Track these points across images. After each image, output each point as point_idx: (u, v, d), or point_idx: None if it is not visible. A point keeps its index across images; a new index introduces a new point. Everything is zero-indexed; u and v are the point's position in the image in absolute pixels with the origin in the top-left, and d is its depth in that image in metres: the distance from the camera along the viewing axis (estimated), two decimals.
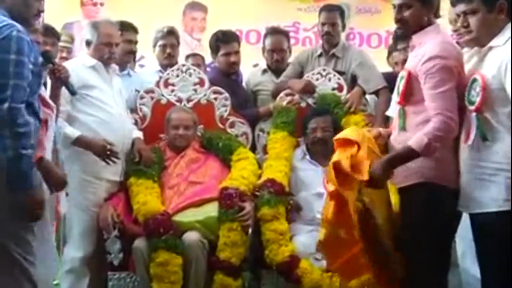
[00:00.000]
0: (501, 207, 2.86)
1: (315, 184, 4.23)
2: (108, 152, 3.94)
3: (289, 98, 4.66)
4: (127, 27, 4.72)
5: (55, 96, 3.57)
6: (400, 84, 3.22)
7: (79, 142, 3.94)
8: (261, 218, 4.00)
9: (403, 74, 3.20)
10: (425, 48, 3.09)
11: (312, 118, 4.42)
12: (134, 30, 4.88)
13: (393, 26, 3.79)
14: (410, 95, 3.14)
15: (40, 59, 3.08)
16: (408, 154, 3.02)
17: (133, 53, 4.92)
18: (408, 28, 3.21)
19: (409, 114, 3.15)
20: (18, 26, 2.87)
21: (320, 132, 4.34)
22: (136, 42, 4.89)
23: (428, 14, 3.16)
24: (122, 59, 4.61)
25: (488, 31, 2.97)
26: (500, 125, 2.89)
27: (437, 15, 3.20)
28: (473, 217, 3.05)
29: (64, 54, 4.91)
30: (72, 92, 3.68)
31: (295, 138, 4.55)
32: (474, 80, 2.95)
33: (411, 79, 3.10)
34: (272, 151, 4.44)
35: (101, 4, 7.09)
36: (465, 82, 3.04)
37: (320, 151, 4.32)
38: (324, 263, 3.83)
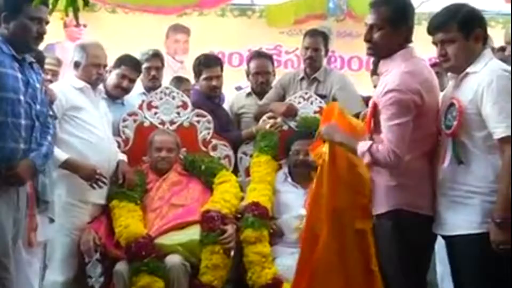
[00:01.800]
0: (475, 230, 2.86)
1: (296, 206, 4.23)
2: (97, 177, 3.92)
3: (271, 121, 4.66)
4: (133, 65, 4.66)
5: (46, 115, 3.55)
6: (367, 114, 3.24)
7: (67, 165, 3.91)
8: (245, 240, 3.98)
9: (370, 104, 3.22)
10: (387, 78, 3.08)
11: (295, 141, 4.43)
12: (139, 70, 4.75)
13: None
14: (376, 125, 3.14)
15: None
16: (353, 151, 3.11)
17: (125, 90, 4.69)
18: (376, 49, 3.19)
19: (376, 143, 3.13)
20: None
21: (303, 155, 4.33)
22: (134, 81, 4.72)
23: (399, 39, 3.13)
24: (115, 91, 4.61)
25: (465, 58, 2.98)
26: (476, 149, 2.90)
27: (409, 40, 3.20)
28: (448, 239, 3.05)
29: (49, 77, 4.86)
30: (54, 116, 3.65)
31: (278, 162, 4.55)
32: (451, 104, 2.97)
33: (376, 110, 3.10)
34: (255, 175, 4.43)
35: (84, 26, 7.07)
36: (434, 107, 3.06)
37: (302, 174, 4.34)
38: None
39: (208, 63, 4.88)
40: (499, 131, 2.79)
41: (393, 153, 2.96)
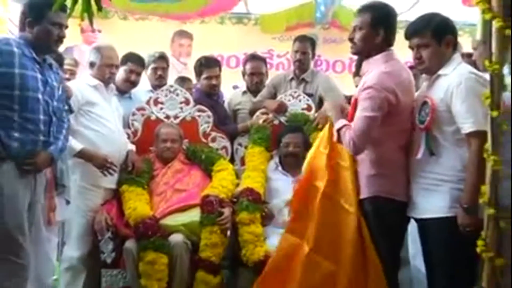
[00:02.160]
0: (444, 213, 2.87)
1: (285, 192, 4.19)
2: (107, 165, 3.91)
3: (264, 116, 4.65)
4: (137, 61, 4.66)
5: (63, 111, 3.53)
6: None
7: (82, 154, 3.90)
8: (240, 221, 3.97)
9: (352, 100, 3.24)
10: (368, 77, 3.09)
11: (285, 134, 4.41)
12: (142, 64, 4.74)
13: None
14: None
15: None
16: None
17: (132, 83, 4.70)
18: (356, 48, 3.20)
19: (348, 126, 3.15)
20: (1, 37, 3.08)
21: (292, 147, 4.32)
22: (139, 74, 4.72)
23: (377, 40, 3.12)
24: (124, 85, 4.61)
25: (437, 62, 2.99)
26: (446, 142, 2.92)
27: (390, 44, 3.18)
28: (420, 222, 3.06)
29: (67, 76, 4.85)
30: (70, 111, 3.63)
31: (270, 152, 4.53)
32: (425, 102, 2.97)
33: (357, 105, 3.10)
34: (250, 164, 4.41)
35: (99, 31, 7.05)
36: (409, 106, 3.07)
37: (291, 163, 4.32)
38: None
39: (208, 64, 4.87)
40: (466, 126, 2.80)
41: (353, 143, 3.01)
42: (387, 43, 3.15)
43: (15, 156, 3.06)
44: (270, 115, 4.66)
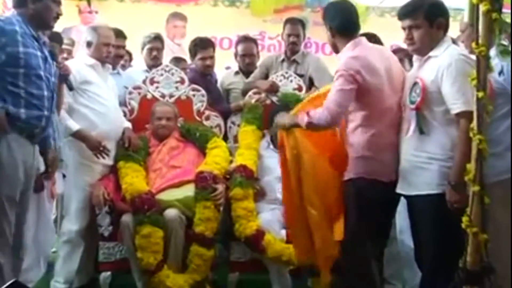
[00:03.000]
0: (433, 190, 2.87)
1: (277, 169, 4.15)
2: (101, 149, 3.88)
3: (256, 96, 4.61)
4: (117, 34, 4.57)
5: (58, 88, 3.51)
6: None
7: (78, 135, 3.87)
8: (233, 197, 3.95)
9: None
10: (340, 62, 3.13)
11: (276, 114, 4.33)
12: (124, 37, 4.80)
13: None
14: None
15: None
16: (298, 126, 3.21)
17: (121, 56, 4.83)
18: (330, 42, 3.33)
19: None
20: (2, 17, 3.06)
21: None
22: (124, 47, 4.84)
23: (337, 34, 3.22)
24: (113, 60, 4.51)
25: (428, 43, 2.98)
26: (436, 121, 2.91)
27: (355, 35, 3.21)
28: (409, 198, 3.05)
29: (65, 55, 4.80)
30: (70, 87, 3.60)
31: (261, 131, 4.51)
32: (415, 83, 2.96)
33: None
34: (243, 142, 4.38)
35: (96, 12, 6.98)
36: (379, 87, 3.07)
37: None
38: (284, 236, 3.83)
39: (203, 45, 4.82)
40: (456, 107, 2.80)
41: (327, 110, 3.01)
42: (352, 34, 3.20)
43: (20, 131, 3.04)
44: (262, 95, 4.62)
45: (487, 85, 2.53)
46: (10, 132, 3.02)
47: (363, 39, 3.24)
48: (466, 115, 2.73)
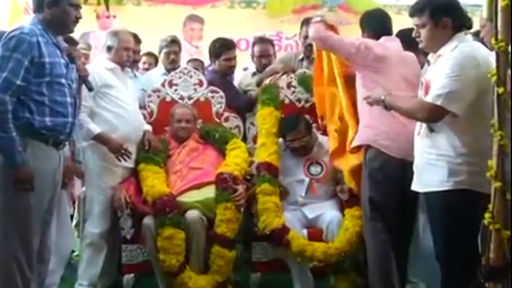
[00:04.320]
0: (442, 187, 2.88)
1: (297, 172, 4.17)
2: (122, 151, 3.91)
3: (271, 77, 4.54)
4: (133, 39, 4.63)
5: (77, 91, 3.52)
6: None
7: (99, 138, 3.91)
8: (261, 191, 3.95)
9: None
10: None
11: (287, 132, 4.20)
12: (138, 41, 4.82)
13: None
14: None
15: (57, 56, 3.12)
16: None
17: (137, 61, 4.88)
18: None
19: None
20: (25, 29, 2.97)
21: (297, 143, 4.15)
22: (139, 52, 4.88)
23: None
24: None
25: (433, 42, 3.00)
26: (444, 120, 2.90)
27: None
28: (424, 195, 3.07)
29: (82, 59, 4.84)
30: (90, 88, 3.60)
31: (279, 111, 4.41)
32: (422, 83, 3.01)
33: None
34: (262, 127, 4.32)
35: (114, 17, 7.05)
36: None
37: (300, 151, 4.19)
38: (306, 235, 3.86)
39: (228, 46, 4.82)
40: (430, 96, 2.85)
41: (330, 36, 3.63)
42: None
43: (46, 139, 3.06)
44: (278, 75, 4.55)
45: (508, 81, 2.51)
46: (36, 144, 3.03)
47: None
48: (431, 107, 2.82)
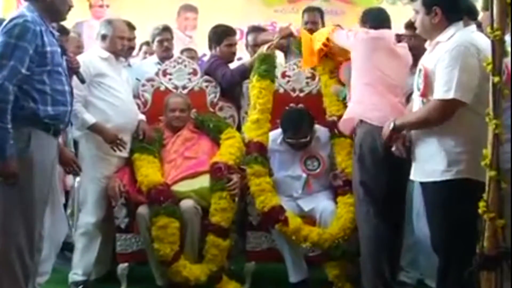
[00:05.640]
0: (441, 177, 2.86)
1: (294, 167, 4.13)
2: (117, 142, 3.90)
3: (268, 43, 4.40)
4: (128, 26, 4.59)
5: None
6: None
7: (94, 128, 3.89)
8: (255, 173, 3.93)
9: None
10: None
11: (290, 130, 4.10)
12: (133, 28, 4.75)
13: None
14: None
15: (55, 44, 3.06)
16: None
17: (132, 48, 4.84)
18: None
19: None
20: (28, 17, 2.91)
21: (297, 141, 4.08)
22: (134, 39, 4.81)
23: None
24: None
25: (425, 28, 3.01)
26: None
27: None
28: (421, 185, 3.06)
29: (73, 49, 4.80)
30: (82, 81, 3.57)
31: (274, 84, 4.32)
32: (420, 70, 2.97)
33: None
34: (257, 101, 4.18)
35: (107, 6, 7.00)
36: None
37: (299, 147, 4.13)
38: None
39: (230, 32, 4.74)
40: (436, 94, 2.82)
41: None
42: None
43: (48, 128, 3.02)
44: (275, 41, 4.43)
45: (504, 70, 2.51)
46: (38, 133, 2.98)
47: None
48: (443, 103, 2.80)
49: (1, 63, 2.82)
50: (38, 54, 2.93)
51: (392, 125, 3.04)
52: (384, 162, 3.35)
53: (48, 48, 2.98)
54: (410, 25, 3.85)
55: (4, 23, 2.94)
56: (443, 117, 2.83)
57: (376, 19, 3.76)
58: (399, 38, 4.06)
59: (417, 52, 3.81)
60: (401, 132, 3.06)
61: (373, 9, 4.03)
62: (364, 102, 3.54)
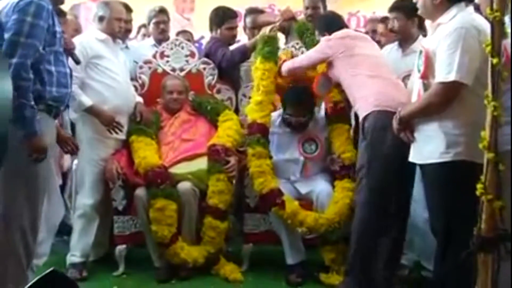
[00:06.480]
0: (441, 159, 2.85)
1: (291, 150, 4.11)
2: (114, 124, 3.88)
3: (271, 25, 4.35)
4: (125, 8, 4.54)
5: None
6: None
7: (91, 110, 3.87)
8: (256, 154, 3.89)
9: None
10: None
11: (290, 105, 4.08)
12: (130, 10, 4.71)
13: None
14: None
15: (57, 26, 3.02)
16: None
17: (129, 30, 4.84)
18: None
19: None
20: None
21: (296, 120, 4.05)
22: (131, 21, 4.79)
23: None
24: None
25: (427, 11, 3.01)
26: None
27: None
28: (421, 167, 3.05)
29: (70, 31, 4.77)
30: (77, 62, 3.54)
31: (277, 66, 4.20)
32: (420, 52, 2.95)
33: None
34: (261, 83, 4.09)
35: None
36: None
37: (298, 128, 4.10)
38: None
39: (231, 15, 4.70)
40: (439, 76, 2.80)
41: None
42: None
43: (50, 110, 3.00)
44: (277, 23, 4.39)
45: (503, 52, 2.49)
46: (44, 114, 2.95)
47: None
48: (446, 86, 2.78)
49: (19, 41, 2.77)
50: (49, 33, 2.90)
51: (398, 117, 3.02)
52: (395, 149, 3.26)
53: (57, 28, 2.96)
54: (393, 8, 3.87)
55: (17, 0, 2.89)
56: (445, 100, 2.81)
57: (334, 25, 3.86)
58: (384, 21, 4.05)
59: (403, 35, 3.89)
60: (408, 122, 3.02)
61: (326, 17, 4.18)
62: (372, 93, 3.47)
